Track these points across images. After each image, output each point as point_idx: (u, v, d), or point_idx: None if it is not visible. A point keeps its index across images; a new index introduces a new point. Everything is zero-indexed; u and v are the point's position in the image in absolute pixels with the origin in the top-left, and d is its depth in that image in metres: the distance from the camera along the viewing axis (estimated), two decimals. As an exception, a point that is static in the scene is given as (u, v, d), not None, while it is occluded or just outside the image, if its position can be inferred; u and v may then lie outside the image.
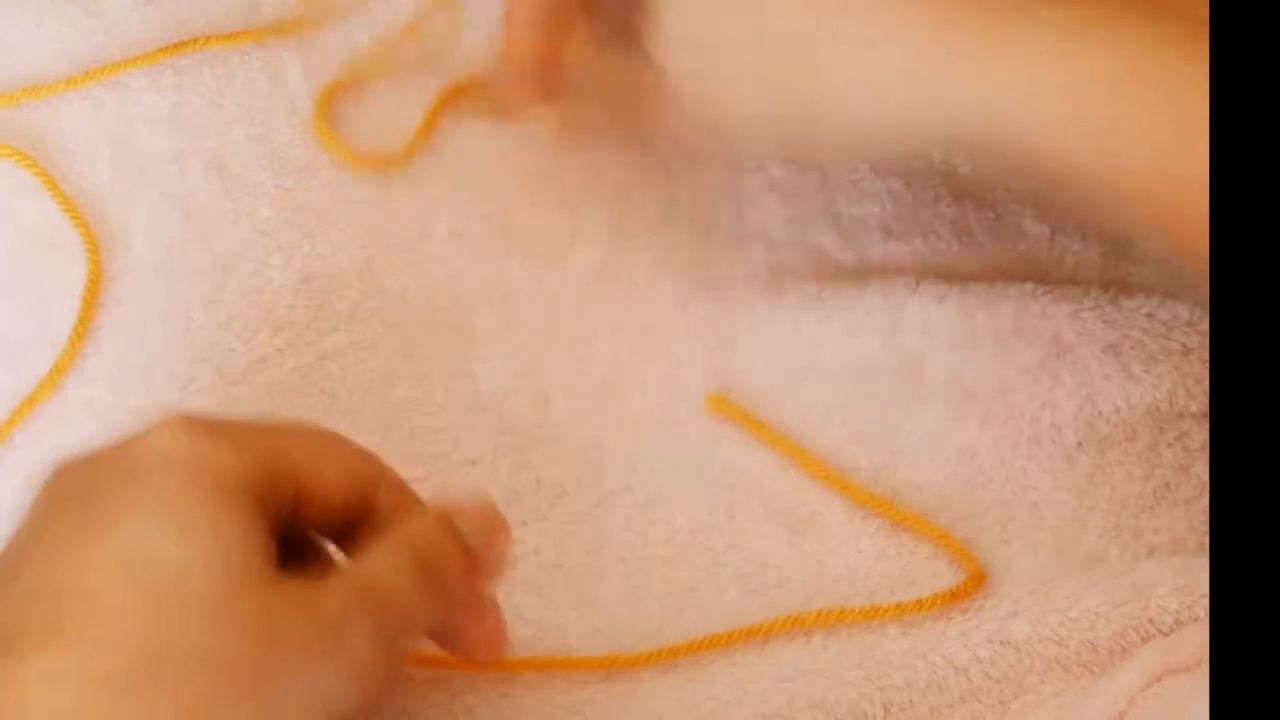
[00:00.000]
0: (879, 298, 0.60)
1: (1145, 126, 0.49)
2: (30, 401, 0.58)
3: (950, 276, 0.61)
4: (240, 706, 0.42)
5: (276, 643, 0.43)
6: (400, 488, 0.49)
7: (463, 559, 0.48)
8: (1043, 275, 0.61)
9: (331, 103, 0.64)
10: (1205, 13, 0.46)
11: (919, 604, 0.55)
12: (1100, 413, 0.58)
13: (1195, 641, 0.51)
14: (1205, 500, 0.57)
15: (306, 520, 0.47)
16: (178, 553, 0.43)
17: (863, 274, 0.61)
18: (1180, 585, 0.53)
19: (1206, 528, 0.58)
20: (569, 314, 0.61)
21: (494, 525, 0.50)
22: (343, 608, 0.44)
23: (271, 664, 0.43)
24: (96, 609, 0.42)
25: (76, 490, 0.45)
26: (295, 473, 0.47)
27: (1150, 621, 0.53)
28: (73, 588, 0.42)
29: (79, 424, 0.58)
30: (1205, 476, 0.58)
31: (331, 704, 0.44)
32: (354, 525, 0.48)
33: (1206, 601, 0.53)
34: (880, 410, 0.59)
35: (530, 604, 0.56)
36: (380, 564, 0.46)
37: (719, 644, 0.55)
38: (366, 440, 0.49)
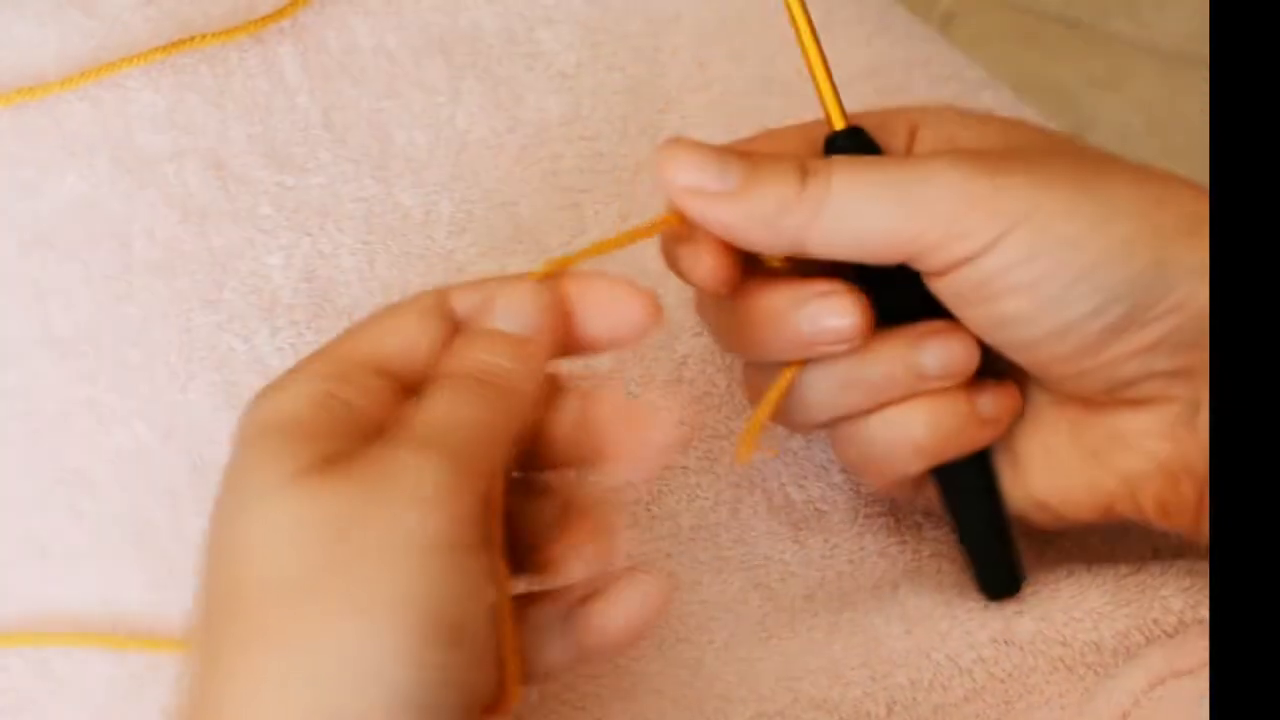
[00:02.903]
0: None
1: None
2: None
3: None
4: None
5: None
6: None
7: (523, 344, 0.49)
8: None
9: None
10: None
11: None
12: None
13: (1199, 643, 0.51)
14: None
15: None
16: None
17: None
18: (1184, 586, 0.53)
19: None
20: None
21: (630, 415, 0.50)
22: (413, 465, 0.44)
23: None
24: None
25: None
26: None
27: (1154, 622, 0.53)
28: None
29: (80, 423, 0.58)
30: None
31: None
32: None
33: (1210, 602, 0.53)
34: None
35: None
36: (436, 407, 0.46)
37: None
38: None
